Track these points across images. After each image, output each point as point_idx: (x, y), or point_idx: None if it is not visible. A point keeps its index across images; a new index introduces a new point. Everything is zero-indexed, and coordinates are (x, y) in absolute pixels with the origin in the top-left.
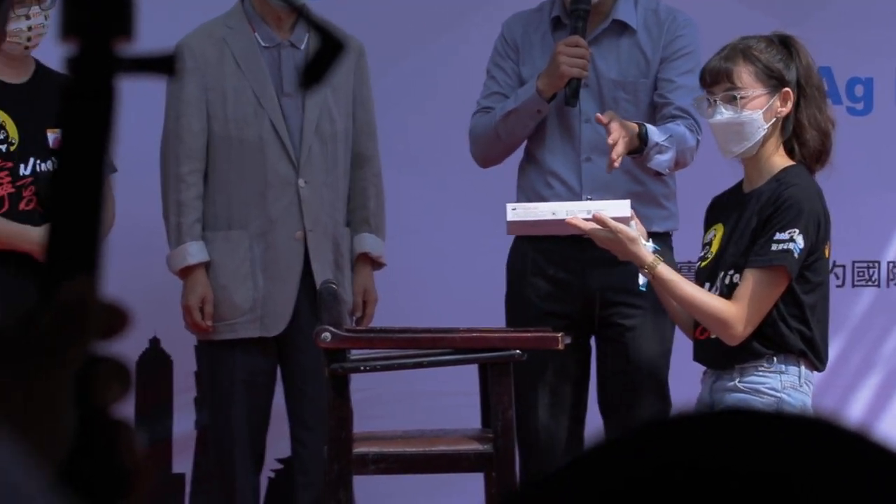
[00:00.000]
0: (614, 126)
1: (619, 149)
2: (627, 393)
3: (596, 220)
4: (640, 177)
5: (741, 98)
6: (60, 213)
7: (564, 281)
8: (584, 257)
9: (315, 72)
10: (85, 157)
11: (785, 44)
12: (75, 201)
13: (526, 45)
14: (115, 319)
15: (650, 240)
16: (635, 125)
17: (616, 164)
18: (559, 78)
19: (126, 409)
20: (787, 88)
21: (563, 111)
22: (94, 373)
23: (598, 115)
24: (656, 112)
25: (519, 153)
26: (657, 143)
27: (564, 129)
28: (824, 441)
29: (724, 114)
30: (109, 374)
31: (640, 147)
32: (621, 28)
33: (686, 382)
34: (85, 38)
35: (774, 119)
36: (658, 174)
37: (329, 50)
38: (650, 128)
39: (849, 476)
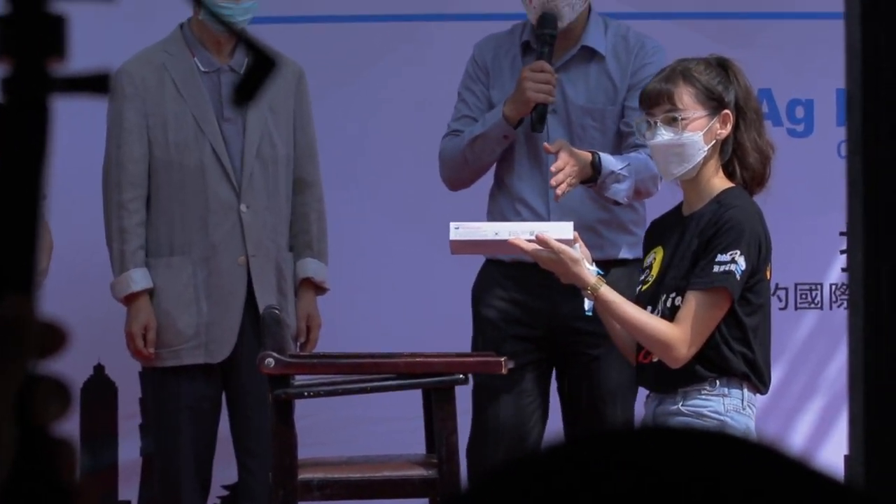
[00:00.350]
0: (562, 155)
1: (560, 177)
2: (593, 422)
3: (539, 241)
4: (607, 203)
5: (682, 119)
6: None
7: (530, 305)
8: (551, 283)
9: (247, 90)
10: (20, 177)
11: (722, 66)
12: (10, 222)
13: (496, 68)
14: (54, 337)
15: (594, 263)
16: (588, 154)
17: (559, 192)
18: (525, 104)
19: (69, 431)
20: (726, 110)
21: (532, 137)
22: (33, 391)
23: (546, 144)
24: (622, 140)
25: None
26: (613, 172)
27: (533, 155)
28: (745, 454)
29: (665, 135)
30: (49, 393)
31: (593, 176)
32: (590, 54)
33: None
34: (18, 59)
35: (714, 141)
36: (617, 203)
37: (261, 68)
38: (605, 157)
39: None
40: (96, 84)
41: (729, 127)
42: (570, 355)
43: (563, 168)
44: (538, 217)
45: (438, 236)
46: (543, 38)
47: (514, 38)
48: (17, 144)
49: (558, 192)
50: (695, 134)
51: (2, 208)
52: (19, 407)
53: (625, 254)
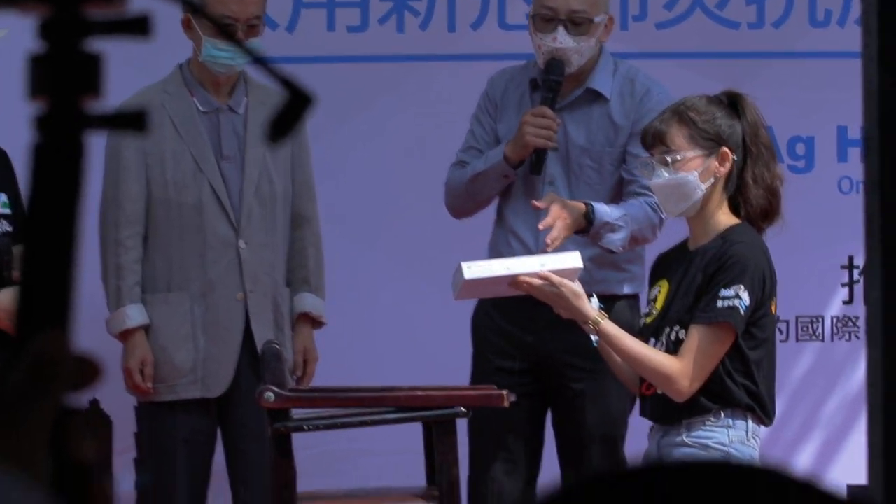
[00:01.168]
0: (552, 209)
1: (554, 234)
2: (581, 457)
3: (541, 277)
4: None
5: (673, 161)
6: (32, 269)
7: (518, 337)
8: (539, 315)
9: (282, 126)
10: (56, 213)
11: (732, 102)
12: (46, 258)
13: (505, 102)
14: (88, 371)
15: (594, 296)
16: (581, 205)
17: (549, 249)
18: (524, 147)
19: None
20: (724, 148)
21: (530, 175)
22: (68, 425)
23: (535, 202)
24: (623, 187)
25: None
26: (607, 223)
27: (528, 190)
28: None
29: (661, 176)
30: (83, 426)
31: (586, 227)
32: (594, 96)
33: (633, 438)
34: (53, 96)
35: (713, 178)
36: (612, 252)
37: (298, 104)
38: (598, 207)
39: None
40: (133, 121)
41: (728, 164)
42: (555, 388)
43: (553, 223)
44: (527, 249)
45: (434, 271)
46: (549, 84)
47: (526, 72)
48: (52, 181)
49: (549, 249)
50: (689, 174)
51: (38, 244)
52: (55, 440)
53: (616, 289)
